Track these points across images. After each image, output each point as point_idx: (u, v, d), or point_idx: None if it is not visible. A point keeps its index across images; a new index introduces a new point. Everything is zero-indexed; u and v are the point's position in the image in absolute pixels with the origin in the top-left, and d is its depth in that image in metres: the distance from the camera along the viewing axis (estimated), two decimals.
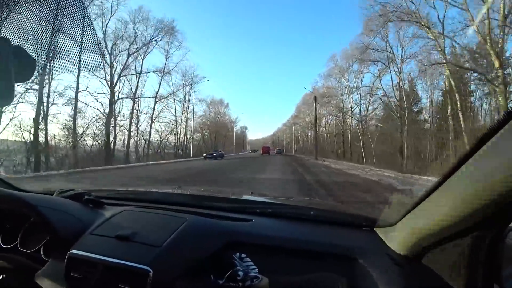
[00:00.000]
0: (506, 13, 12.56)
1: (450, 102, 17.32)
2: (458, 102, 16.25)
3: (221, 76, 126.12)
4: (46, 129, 14.69)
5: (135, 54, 23.66)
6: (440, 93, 20.07)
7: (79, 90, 17.35)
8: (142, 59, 24.85)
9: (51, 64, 0.77)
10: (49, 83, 15.30)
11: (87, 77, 19.02)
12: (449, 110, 17.37)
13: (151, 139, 26.85)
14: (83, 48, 0.68)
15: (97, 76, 19.83)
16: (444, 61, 16.38)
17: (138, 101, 25.29)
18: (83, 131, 18.58)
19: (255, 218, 0.99)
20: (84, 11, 0.62)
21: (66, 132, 16.99)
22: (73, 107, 17.34)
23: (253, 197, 1.45)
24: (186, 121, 33.17)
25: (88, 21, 0.63)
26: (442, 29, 16.60)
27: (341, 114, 32.06)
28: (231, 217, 1.00)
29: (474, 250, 0.59)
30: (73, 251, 0.75)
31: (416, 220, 0.68)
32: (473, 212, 0.47)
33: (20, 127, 13.75)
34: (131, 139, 24.27)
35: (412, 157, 18.41)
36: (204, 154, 28.01)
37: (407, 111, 20.56)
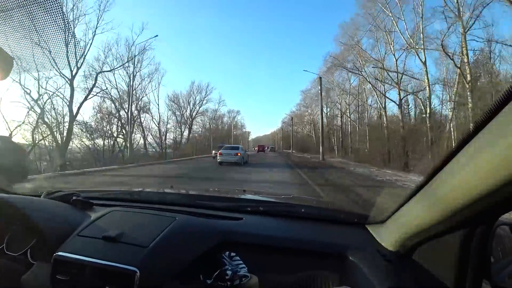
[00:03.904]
0: None
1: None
2: None
3: (223, 71, 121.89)
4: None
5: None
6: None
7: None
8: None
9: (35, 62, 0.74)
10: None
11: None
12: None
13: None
14: (62, 46, 0.66)
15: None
16: None
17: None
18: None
19: (246, 217, 0.98)
20: (61, 8, 0.59)
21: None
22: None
23: (244, 196, 1.44)
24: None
25: (65, 19, 0.60)
26: None
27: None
28: (221, 215, 0.99)
29: (463, 245, 0.59)
30: (59, 253, 0.74)
31: (406, 216, 0.68)
32: (462, 208, 0.46)
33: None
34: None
35: None
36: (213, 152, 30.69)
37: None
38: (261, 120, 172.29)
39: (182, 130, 36.02)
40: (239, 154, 14.35)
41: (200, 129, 41.65)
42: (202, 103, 39.71)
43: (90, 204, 1.05)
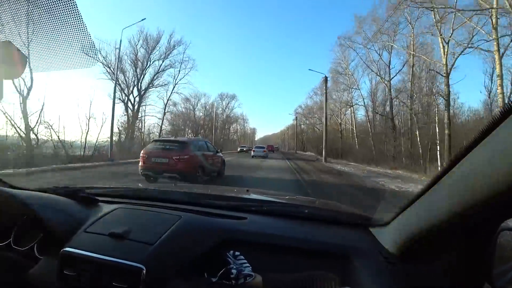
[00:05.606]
0: None
1: None
2: None
3: (231, 71, 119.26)
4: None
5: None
6: None
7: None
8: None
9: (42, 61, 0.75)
10: None
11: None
12: None
13: None
14: (74, 44, 0.67)
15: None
16: None
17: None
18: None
19: (250, 216, 0.99)
20: (76, 7, 0.60)
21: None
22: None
23: (249, 195, 1.45)
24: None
25: (79, 17, 0.62)
26: None
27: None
28: (226, 215, 1.00)
29: (465, 249, 0.59)
30: (66, 248, 0.75)
31: (409, 219, 0.68)
32: (465, 213, 0.47)
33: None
34: None
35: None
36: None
37: None
38: (270, 119, 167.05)
39: (129, 112, 20.93)
40: (265, 151, 25.54)
41: (174, 117, 30.20)
42: (161, 65, 21.92)
43: (96, 200, 1.06)
